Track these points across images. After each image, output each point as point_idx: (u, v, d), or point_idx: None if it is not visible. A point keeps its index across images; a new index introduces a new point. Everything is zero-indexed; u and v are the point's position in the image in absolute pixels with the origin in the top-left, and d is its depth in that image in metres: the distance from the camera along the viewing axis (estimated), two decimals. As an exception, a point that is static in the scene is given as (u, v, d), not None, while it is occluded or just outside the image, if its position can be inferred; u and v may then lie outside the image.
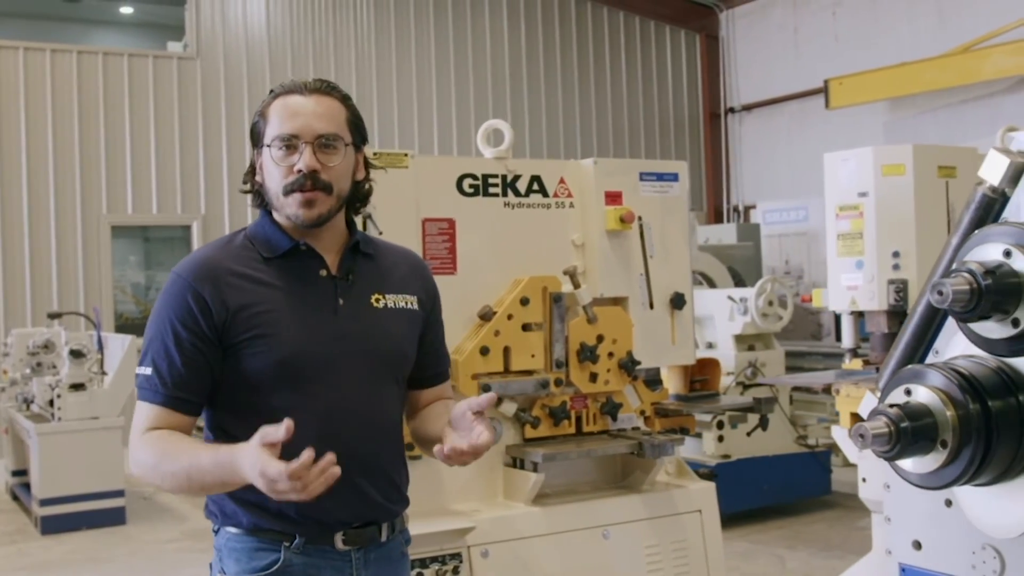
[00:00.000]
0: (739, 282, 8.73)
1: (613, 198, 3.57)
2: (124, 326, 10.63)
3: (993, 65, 10.35)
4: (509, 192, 3.48)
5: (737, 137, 14.09)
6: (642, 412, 3.68)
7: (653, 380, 3.72)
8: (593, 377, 3.48)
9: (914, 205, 4.16)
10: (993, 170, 2.47)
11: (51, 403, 7.57)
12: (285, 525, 2.08)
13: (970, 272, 2.18)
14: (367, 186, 2.26)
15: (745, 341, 6.90)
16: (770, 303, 6.79)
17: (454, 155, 12.04)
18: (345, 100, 2.20)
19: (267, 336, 2.07)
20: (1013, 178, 2.44)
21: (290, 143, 2.09)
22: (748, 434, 6.12)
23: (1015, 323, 2.20)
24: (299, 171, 2.08)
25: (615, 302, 3.60)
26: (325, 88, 2.17)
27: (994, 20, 10.52)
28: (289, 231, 2.16)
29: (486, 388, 3.28)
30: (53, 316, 8.76)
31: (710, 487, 3.69)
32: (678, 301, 3.67)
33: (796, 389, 6.95)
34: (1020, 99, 10.66)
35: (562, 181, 3.57)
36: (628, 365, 3.51)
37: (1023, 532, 2.41)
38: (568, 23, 13.28)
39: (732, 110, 14.06)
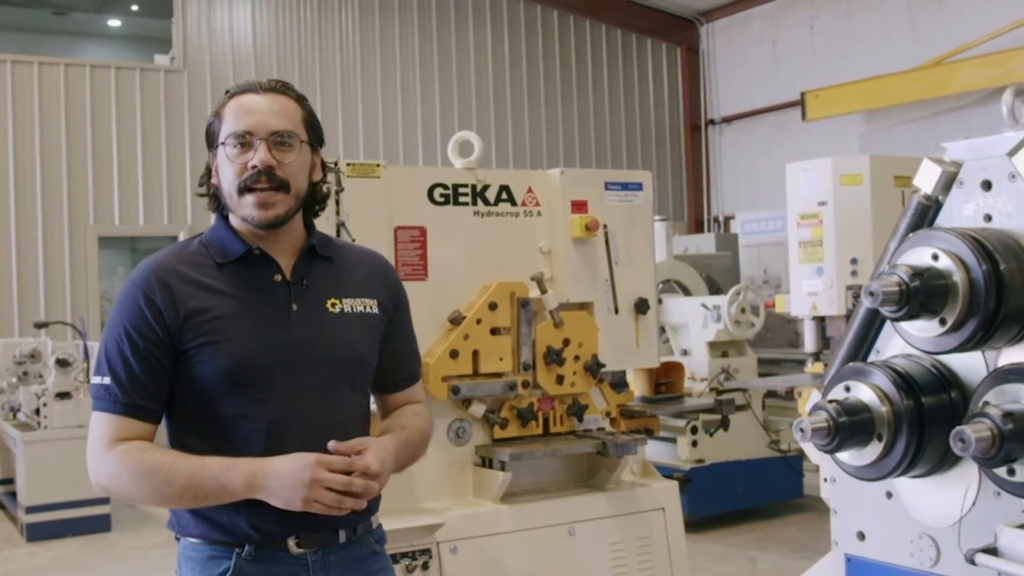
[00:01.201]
0: (717, 291, 8.87)
1: (579, 207, 3.71)
2: (110, 336, 10.71)
3: (963, 79, 10.55)
4: (479, 201, 3.62)
5: (717, 149, 14.28)
6: (608, 414, 3.81)
7: (619, 383, 3.85)
8: (560, 379, 3.61)
9: (871, 213, 4.31)
10: (927, 179, 2.63)
11: (37, 412, 7.67)
12: (236, 535, 2.05)
13: (899, 274, 2.33)
14: (325, 188, 2.25)
15: (719, 348, 7.05)
16: (743, 311, 6.95)
17: (438, 164, 12.19)
18: (300, 100, 2.18)
19: (216, 343, 2.03)
20: (945, 186, 2.60)
21: (244, 140, 2.05)
22: (710, 434, 6.27)
23: (942, 322, 2.35)
24: (254, 167, 2.05)
25: (581, 307, 3.73)
26: (280, 87, 2.16)
27: (964, 35, 10.74)
28: (244, 235, 2.13)
29: (455, 390, 3.41)
30: (39, 326, 8.87)
31: (673, 486, 3.82)
32: (642, 306, 3.81)
33: (769, 395, 7.10)
34: (990, 111, 10.85)
35: (530, 190, 3.70)
36: (593, 368, 3.64)
37: (956, 521, 2.56)
38: (551, 36, 13.46)
39: (712, 122, 14.26)
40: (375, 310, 2.22)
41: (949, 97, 10.99)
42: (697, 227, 14.19)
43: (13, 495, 8.09)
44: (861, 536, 2.84)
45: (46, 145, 10.57)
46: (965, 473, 2.52)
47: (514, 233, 3.66)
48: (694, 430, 6.71)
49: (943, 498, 2.61)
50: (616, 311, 3.76)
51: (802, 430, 2.51)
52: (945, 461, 2.55)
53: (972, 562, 1.81)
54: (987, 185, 2.51)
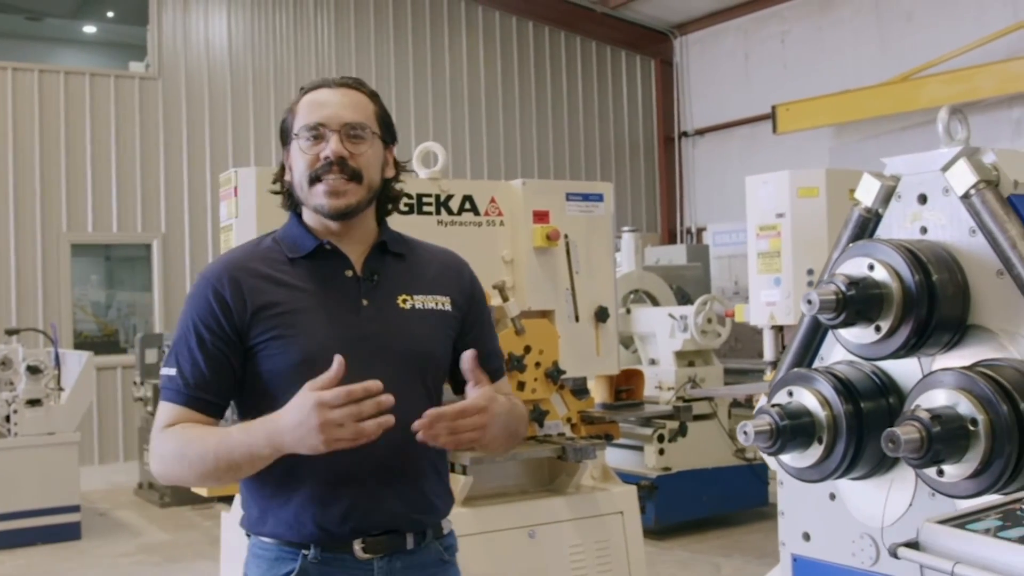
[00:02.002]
0: (687, 301, 8.99)
1: (541, 217, 3.80)
2: (83, 343, 10.71)
3: (930, 94, 10.74)
4: (442, 210, 3.71)
5: (690, 160, 14.43)
6: (569, 419, 3.90)
7: (580, 389, 3.94)
8: (521, 385, 3.70)
9: (827, 225, 4.42)
10: (867, 192, 2.74)
11: (7, 418, 7.65)
12: (303, 535, 2.05)
13: (836, 283, 2.43)
14: (398, 187, 2.23)
15: (685, 357, 7.15)
16: (709, 321, 7.05)
17: (413, 172, 12.25)
18: (373, 96, 2.17)
19: (286, 336, 2.04)
20: (884, 199, 2.70)
21: (317, 132, 2.06)
22: (669, 440, 6.37)
23: (877, 329, 2.45)
24: (326, 158, 2.05)
25: (543, 315, 3.82)
26: (353, 83, 2.16)
27: (932, 51, 10.93)
28: (316, 231, 2.14)
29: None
30: (11, 332, 8.85)
31: (631, 491, 3.91)
32: (602, 314, 3.91)
33: (734, 404, 7.20)
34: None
35: (493, 200, 3.79)
36: (554, 374, 3.73)
37: (894, 521, 2.66)
38: (526, 47, 13.57)
39: (686, 134, 14.40)
40: (447, 307, 2.20)
41: (917, 112, 11.17)
42: (670, 238, 14.32)
43: (-17, 502, 8.08)
44: (806, 537, 2.93)
45: (19, 151, 10.56)
46: (903, 475, 2.62)
47: (477, 242, 3.74)
48: (660, 438, 6.80)
49: (882, 499, 2.72)
50: (577, 319, 3.86)
51: (745, 433, 2.61)
52: (883, 463, 2.65)
53: (895, 556, 1.89)
54: (923, 199, 2.62)
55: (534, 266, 3.78)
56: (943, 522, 1.93)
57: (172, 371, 2.06)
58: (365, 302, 2.10)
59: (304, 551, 2.04)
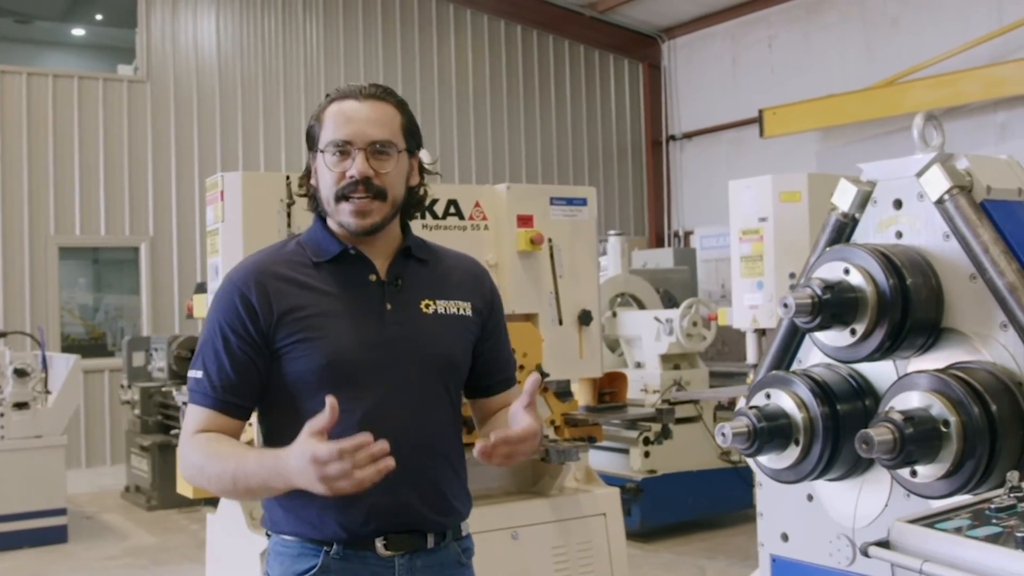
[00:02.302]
0: (674, 304, 9.02)
1: (525, 221, 3.83)
2: (71, 347, 10.70)
3: (914, 98, 10.81)
4: (427, 215, 3.73)
5: (678, 164, 14.48)
6: (552, 422, 3.93)
7: (564, 392, 3.97)
8: (504, 388, 3.72)
9: (809, 229, 4.46)
10: (844, 197, 2.79)
11: (-6, 421, 7.67)
12: (325, 532, 2.07)
13: (812, 287, 2.47)
14: (422, 191, 2.26)
15: (671, 360, 7.18)
16: (694, 324, 7.09)
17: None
18: (401, 105, 2.18)
19: (312, 340, 2.06)
20: (861, 204, 2.75)
21: (343, 149, 2.08)
22: (653, 442, 6.40)
23: (853, 332, 2.50)
24: (351, 177, 2.07)
25: (527, 318, 3.85)
26: (380, 94, 2.16)
27: (916, 56, 11.02)
28: (341, 236, 2.16)
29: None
30: (-2, 335, 8.86)
31: (614, 492, 3.94)
32: (586, 318, 3.94)
33: (720, 407, 7.24)
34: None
35: (477, 205, 3.82)
36: (537, 375, 3.76)
37: (871, 522, 2.70)
38: (515, 51, 13.61)
39: (673, 138, 14.45)
40: (469, 312, 2.23)
41: (903, 116, 11.24)
42: (658, 242, 14.37)
43: (-31, 505, 8.07)
44: (785, 537, 2.98)
45: (7, 154, 10.55)
46: (878, 476, 2.66)
47: (462, 246, 3.70)
48: (646, 441, 6.84)
49: (859, 500, 2.76)
50: (560, 322, 3.89)
51: (723, 434, 2.65)
52: (860, 465, 2.69)
53: (866, 554, 1.93)
54: (898, 204, 2.66)
55: (518, 270, 3.81)
56: (913, 521, 1.97)
57: (199, 374, 2.09)
58: (389, 306, 2.13)
59: (326, 547, 2.08)
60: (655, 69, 14.50)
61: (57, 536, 7.60)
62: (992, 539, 1.82)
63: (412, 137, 2.18)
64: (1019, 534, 1.77)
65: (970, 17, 10.84)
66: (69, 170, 10.82)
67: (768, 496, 3.04)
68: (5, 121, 10.57)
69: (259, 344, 2.07)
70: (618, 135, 14.44)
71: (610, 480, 6.96)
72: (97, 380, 10.84)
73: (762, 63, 13.17)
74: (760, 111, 12.25)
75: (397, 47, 12.74)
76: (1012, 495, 1.98)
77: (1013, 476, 2.01)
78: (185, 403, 4.14)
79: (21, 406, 7.57)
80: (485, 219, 3.83)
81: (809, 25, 12.60)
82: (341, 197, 2.08)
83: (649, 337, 7.19)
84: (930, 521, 1.96)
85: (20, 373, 7.57)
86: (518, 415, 2.03)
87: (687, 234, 14.05)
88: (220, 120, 11.63)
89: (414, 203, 2.24)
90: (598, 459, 7.14)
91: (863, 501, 2.72)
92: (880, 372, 2.67)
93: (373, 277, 2.15)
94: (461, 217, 3.79)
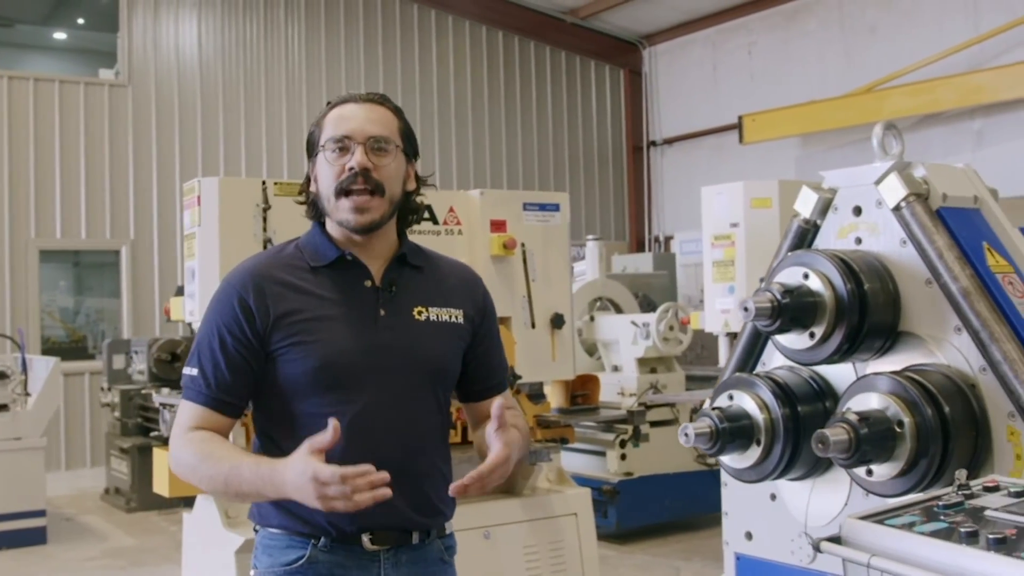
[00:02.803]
0: (653, 309, 9.11)
1: (498, 226, 3.89)
2: (51, 349, 10.69)
3: (892, 105, 10.95)
4: (402, 220, 3.78)
5: (659, 169, 14.58)
6: (525, 423, 3.98)
7: (536, 394, 4.03)
8: (477, 390, 3.78)
9: (779, 235, 4.53)
10: (805, 204, 2.86)
11: (-27, 423, 7.67)
12: (314, 527, 2.13)
13: (772, 291, 2.54)
14: (418, 199, 2.31)
15: (647, 364, 7.25)
16: (671, 328, 7.17)
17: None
18: (397, 112, 2.26)
19: (306, 343, 2.11)
20: (822, 210, 2.83)
21: (343, 144, 2.14)
22: (622, 444, 6.46)
23: (812, 335, 2.57)
24: (351, 169, 2.12)
25: (500, 321, 3.90)
26: (379, 99, 2.24)
27: (895, 63, 11.15)
28: (338, 242, 2.21)
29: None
30: (-23, 338, 8.86)
31: (585, 493, 4.00)
32: (558, 321, 4.00)
33: (696, 410, 7.29)
34: (919, 137, 11.26)
35: (451, 210, 3.88)
36: (510, 379, 3.81)
37: (831, 520, 2.77)
38: (496, 56, 13.68)
39: (654, 143, 14.55)
40: (460, 320, 2.28)
41: (880, 123, 11.37)
42: (639, 246, 14.45)
43: (-52, 507, 8.06)
44: (749, 536, 3.05)
45: (-12, 157, 10.57)
46: (838, 476, 2.73)
47: (436, 251, 3.82)
48: (623, 443, 6.90)
49: (819, 499, 2.82)
50: (533, 325, 3.95)
51: (686, 435, 2.71)
52: (820, 465, 2.76)
53: (818, 549, 1.99)
54: (858, 211, 2.74)
55: (491, 274, 3.87)
56: (864, 518, 2.03)
57: (194, 371, 2.15)
58: (383, 312, 2.18)
59: (314, 540, 2.14)
60: (636, 75, 14.60)
61: (36, 537, 7.61)
62: (938, 534, 1.89)
63: (409, 142, 2.25)
64: (964, 529, 1.84)
65: (947, 25, 10.98)
66: (50, 173, 10.81)
67: (733, 496, 3.11)
68: (-14, 124, 10.57)
69: (254, 346, 2.12)
70: (599, 140, 14.53)
71: (587, 482, 7.02)
72: (77, 383, 10.83)
73: (742, 70, 13.28)
74: (740, 117, 12.35)
75: (379, 52, 12.79)
76: (960, 493, 2.04)
77: (961, 475, 2.07)
78: (164, 405, 4.18)
79: (0, 408, 7.57)
80: (459, 224, 3.89)
81: (789, 32, 12.72)
82: (341, 192, 2.14)
83: (626, 341, 7.26)
84: (880, 518, 2.02)
85: (0, 375, 7.58)
86: (490, 438, 2.09)
87: (667, 239, 14.13)
88: (201, 124, 11.65)
89: (412, 209, 2.29)
90: (576, 461, 7.20)
91: (824, 500, 2.79)
92: (840, 374, 2.73)
93: (368, 283, 2.20)
94: (435, 222, 3.85)
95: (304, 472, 1.88)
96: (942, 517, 1.96)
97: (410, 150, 2.25)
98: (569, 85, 14.30)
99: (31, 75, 10.93)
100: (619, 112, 14.70)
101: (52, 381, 7.90)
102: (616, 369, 7.41)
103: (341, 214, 2.15)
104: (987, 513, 1.94)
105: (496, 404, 2.10)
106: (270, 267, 2.20)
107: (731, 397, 2.76)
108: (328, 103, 2.26)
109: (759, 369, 2.95)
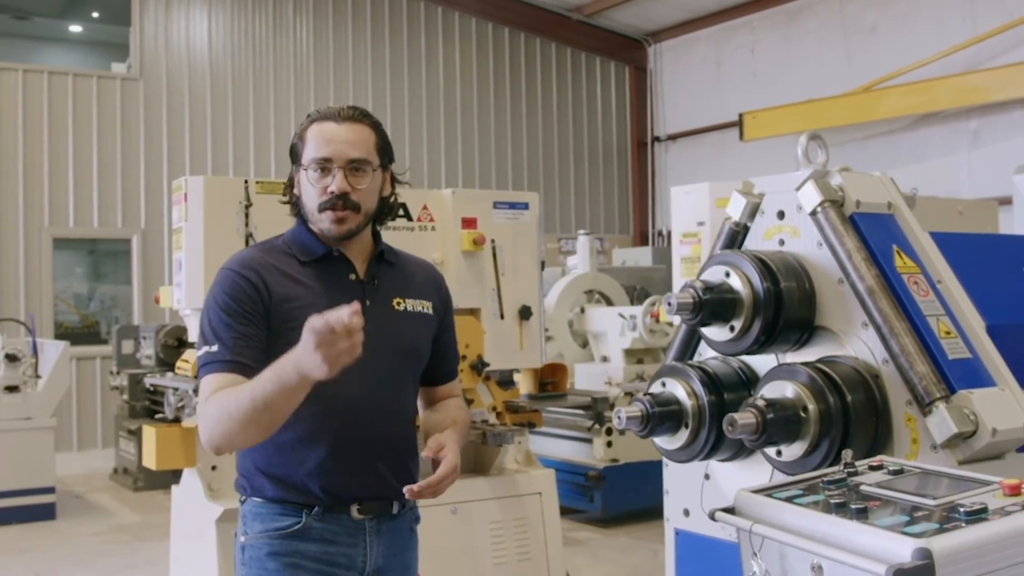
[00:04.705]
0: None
1: (468, 223, 4.14)
2: (64, 334, 11.01)
3: (890, 105, 11.11)
4: (378, 216, 4.04)
5: (663, 165, 14.77)
6: (494, 408, 4.24)
7: (506, 381, 4.29)
8: (448, 376, 4.04)
9: (741, 234, 4.76)
10: (736, 208, 3.11)
11: (-14, 404, 8.00)
12: (307, 498, 2.34)
13: (694, 288, 2.79)
14: (393, 199, 2.52)
15: (634, 355, 7.49)
16: (656, 320, 7.40)
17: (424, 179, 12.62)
18: (375, 127, 2.44)
19: (301, 328, 2.17)
20: (751, 214, 3.07)
21: (324, 167, 2.35)
22: (588, 429, 6.70)
23: (732, 329, 2.81)
24: (332, 192, 2.34)
25: (470, 312, 4.16)
26: (358, 116, 2.42)
27: (893, 63, 11.29)
28: (323, 239, 2.43)
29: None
30: (-9, 322, 9.20)
31: (550, 473, 4.25)
32: (525, 312, 4.25)
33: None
34: (916, 136, 11.44)
35: (425, 208, 4.14)
36: (478, 367, 4.07)
37: (755, 498, 3.00)
38: (502, 53, 13.88)
39: (658, 139, 14.74)
40: (430, 311, 2.54)
41: (879, 122, 11.55)
42: (643, 240, 14.65)
43: (-38, 485, 8.41)
44: (687, 513, 3.30)
45: (3, 148, 10.80)
46: (762, 458, 2.97)
47: (410, 246, 3.99)
48: (609, 431, 7.15)
49: (746, 479, 3.06)
50: (502, 317, 4.20)
51: (619, 417, 2.97)
52: (745, 448, 3.00)
53: (713, 518, 2.24)
54: (781, 215, 2.98)
55: (462, 268, 4.12)
56: (756, 492, 2.28)
57: (213, 348, 2.27)
58: (368, 302, 2.39)
59: (306, 510, 2.35)
60: (641, 72, 14.77)
61: (46, 513, 7.93)
62: (813, 505, 2.13)
63: (385, 154, 2.45)
64: (834, 501, 2.08)
65: (945, 26, 11.11)
66: (63, 164, 11.09)
67: (672, 475, 3.36)
68: (2, 116, 10.84)
69: (262, 314, 2.30)
70: (604, 136, 14.73)
71: (574, 468, 7.29)
72: (89, 367, 11.15)
73: (745, 67, 13.44)
74: (740, 115, 12.53)
75: (386, 49, 13.01)
76: (845, 470, 2.29)
77: (847, 454, 2.32)
78: (173, 389, 4.44)
79: (12, 389, 7.90)
80: (432, 221, 4.14)
81: (790, 31, 12.87)
82: (323, 209, 2.35)
83: (614, 332, 7.50)
84: (769, 491, 2.27)
85: (11, 358, 7.90)
86: (444, 451, 2.35)
87: (670, 233, 14.30)
88: (211, 117, 11.92)
89: (387, 211, 2.52)
90: (563, 448, 7.46)
91: (750, 480, 3.02)
92: (766, 365, 2.97)
93: (353, 276, 2.43)
94: (410, 219, 4.10)
95: (306, 343, 1.99)
96: (824, 491, 2.21)
97: (386, 161, 2.46)
98: (575, 81, 14.49)
99: (46, 68, 11.21)
100: (624, 108, 14.89)
101: (62, 364, 8.22)
102: (605, 359, 7.65)
103: (322, 224, 2.37)
104: (862, 488, 2.19)
105: (432, 448, 2.35)
106: (265, 256, 2.40)
107: (664, 384, 3.01)
108: (308, 116, 2.45)
109: (696, 359, 3.19)
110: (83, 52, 13.55)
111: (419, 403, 2.64)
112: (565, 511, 7.36)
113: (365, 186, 2.37)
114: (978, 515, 1.90)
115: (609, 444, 7.24)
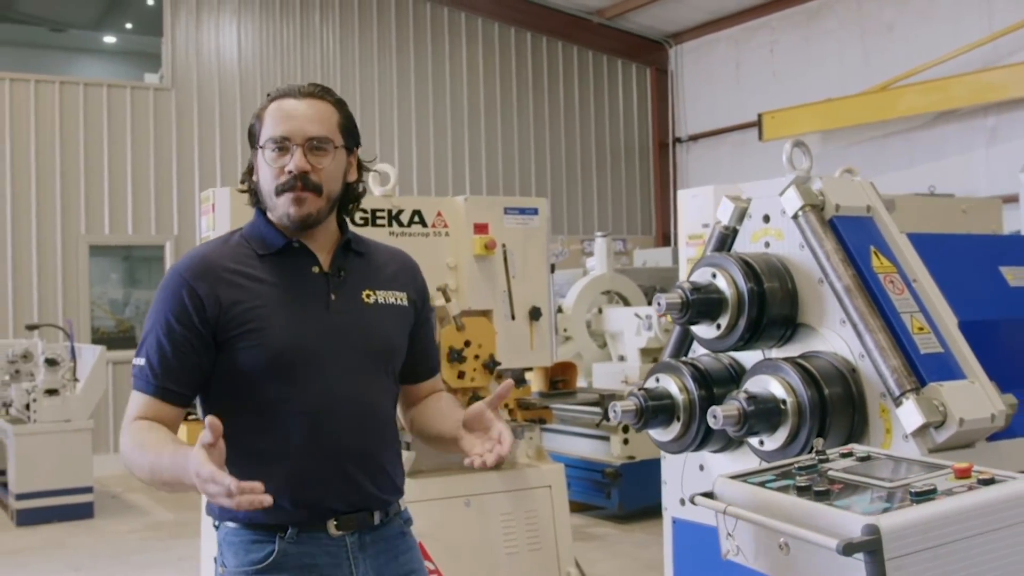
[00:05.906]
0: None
1: (480, 228, 4.35)
2: (100, 339, 11.31)
3: (907, 103, 11.20)
4: (394, 223, 4.26)
5: (684, 165, 14.91)
6: (506, 405, 4.44)
7: (517, 379, 4.49)
8: (461, 375, 4.24)
9: (746, 235, 4.93)
10: (725, 212, 3.30)
11: (28, 407, 8.27)
12: (279, 516, 2.12)
13: (682, 288, 2.98)
14: (360, 187, 2.33)
15: (650, 354, 7.66)
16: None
17: (414, 184, 12.82)
18: (338, 104, 2.24)
19: (260, 330, 2.11)
20: (739, 218, 3.26)
21: (282, 145, 2.15)
22: (597, 425, 6.87)
23: (718, 327, 3.00)
24: (290, 172, 2.14)
25: (483, 314, 4.37)
26: (319, 92, 2.23)
27: (910, 61, 11.38)
28: (283, 230, 2.22)
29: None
30: (31, 328, 9.52)
31: (559, 468, 4.44)
32: (535, 313, 4.45)
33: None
34: (933, 134, 11.52)
35: (439, 214, 4.35)
36: (490, 365, 4.28)
37: (745, 487, 3.18)
38: (525, 57, 14.05)
39: (679, 140, 14.87)
40: (405, 303, 2.34)
41: (897, 120, 11.64)
42: (664, 241, 14.79)
43: (4, 484, 8.71)
44: (683, 502, 3.48)
45: (41, 158, 11.12)
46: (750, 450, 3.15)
47: (425, 251, 4.26)
48: (625, 428, 7.33)
49: (736, 469, 3.24)
50: (513, 317, 4.40)
51: (615, 411, 3.16)
52: (735, 440, 3.19)
53: (693, 503, 2.43)
54: (766, 218, 3.17)
55: (474, 271, 4.33)
56: (733, 477, 2.47)
57: (142, 361, 2.15)
58: (333, 297, 2.23)
59: (280, 533, 2.14)
60: (662, 73, 14.92)
61: (84, 512, 8.22)
62: (781, 489, 2.32)
63: (350, 135, 2.26)
64: (800, 484, 2.27)
65: (962, 24, 11.18)
66: (99, 173, 11.39)
67: (670, 466, 3.54)
68: (40, 126, 11.16)
69: (203, 335, 2.13)
70: (626, 137, 14.88)
71: (591, 466, 7.47)
72: (125, 370, 11.45)
73: (764, 67, 13.56)
74: (759, 115, 12.66)
75: (410, 54, 13.24)
76: (817, 458, 2.47)
77: (818, 442, 2.49)
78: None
79: (51, 392, 8.19)
80: (446, 227, 4.35)
81: (809, 31, 12.97)
82: (281, 191, 2.16)
83: (630, 332, 7.68)
84: (745, 477, 2.46)
85: (51, 362, 8.20)
86: (481, 420, 2.20)
87: (689, 234, 14.41)
88: (241, 125, 12.20)
89: (352, 198, 2.33)
90: (580, 446, 7.65)
91: (740, 469, 3.21)
92: (753, 361, 3.15)
93: (316, 269, 2.24)
94: (424, 225, 4.31)
95: (191, 469, 1.86)
96: (794, 476, 2.39)
97: (351, 142, 2.26)
98: (596, 84, 14.66)
99: (81, 80, 11.54)
100: (645, 109, 15.04)
101: (99, 368, 8.52)
102: (622, 359, 7.83)
103: (281, 209, 2.18)
104: (830, 473, 2.37)
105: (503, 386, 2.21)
106: (218, 256, 2.20)
107: (657, 380, 3.20)
108: (268, 95, 2.27)
109: (690, 356, 3.38)
110: (117, 63, 13.89)
111: (401, 403, 2.45)
112: (583, 508, 7.58)
113: (326, 166, 2.18)
114: (926, 495, 2.06)
115: (626, 442, 7.41)
